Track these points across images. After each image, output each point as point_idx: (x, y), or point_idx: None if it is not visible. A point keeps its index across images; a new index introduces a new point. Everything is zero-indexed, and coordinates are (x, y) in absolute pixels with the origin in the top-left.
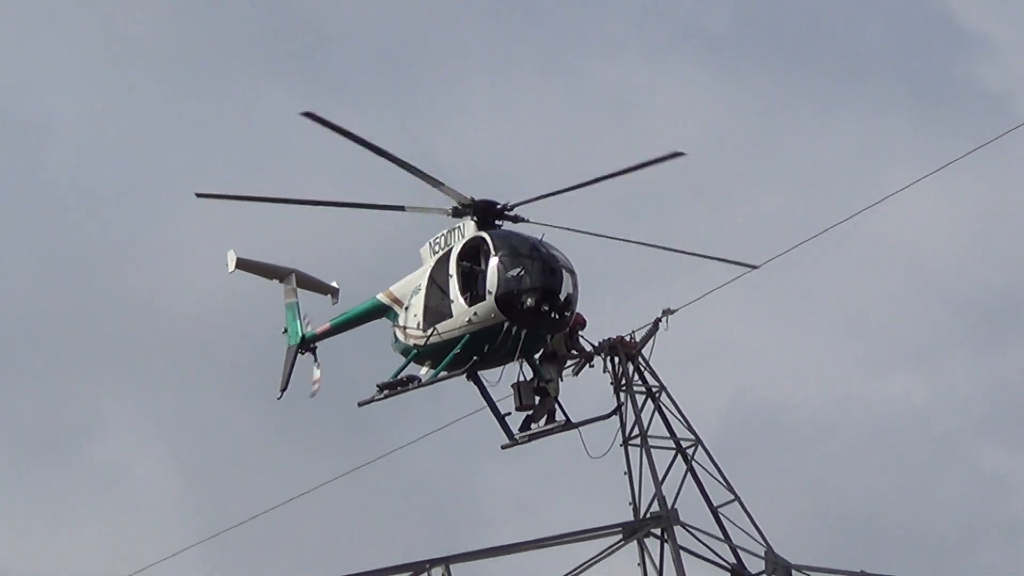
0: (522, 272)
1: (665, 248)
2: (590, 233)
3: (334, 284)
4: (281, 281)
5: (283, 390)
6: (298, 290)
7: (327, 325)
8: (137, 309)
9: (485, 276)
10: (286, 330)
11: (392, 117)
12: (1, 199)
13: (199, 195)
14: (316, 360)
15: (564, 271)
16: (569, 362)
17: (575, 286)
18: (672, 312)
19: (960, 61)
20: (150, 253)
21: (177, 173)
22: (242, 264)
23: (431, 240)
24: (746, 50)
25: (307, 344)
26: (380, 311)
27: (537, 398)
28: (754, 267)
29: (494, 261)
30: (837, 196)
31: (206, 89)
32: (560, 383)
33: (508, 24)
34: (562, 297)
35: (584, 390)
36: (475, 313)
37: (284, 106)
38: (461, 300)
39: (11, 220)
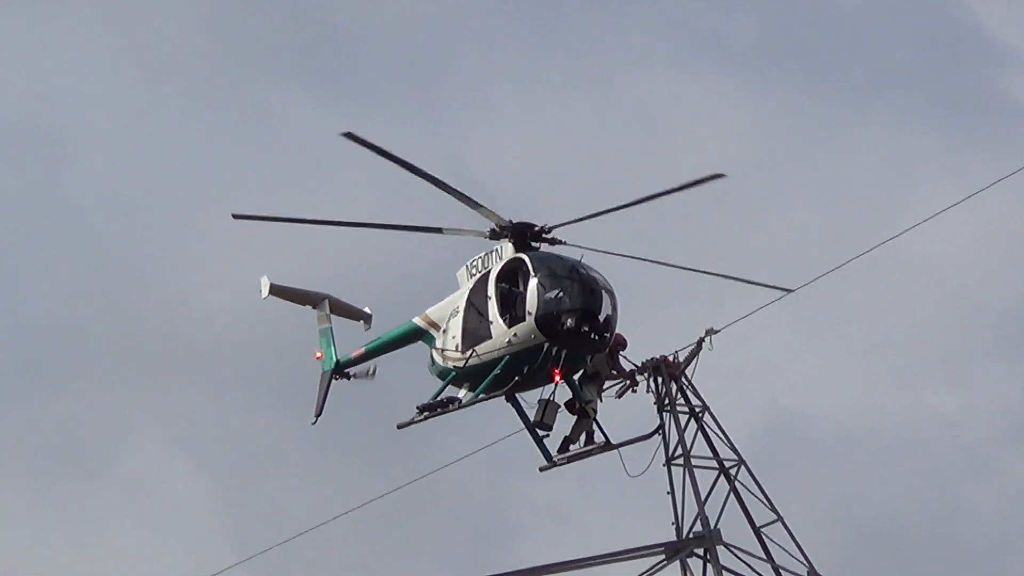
0: (562, 293)
1: (701, 271)
2: (626, 256)
3: (367, 310)
4: (314, 307)
5: (318, 415)
6: (331, 316)
7: (362, 350)
8: (166, 319)
9: (524, 297)
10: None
11: (420, 128)
12: (28, 209)
13: (235, 216)
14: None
15: (603, 292)
16: (609, 383)
17: (614, 307)
18: (715, 332)
19: (990, 75)
20: (178, 263)
21: (204, 183)
22: (275, 290)
23: (468, 263)
24: (774, 63)
25: (341, 369)
26: (416, 335)
27: (573, 418)
28: (789, 291)
29: (534, 282)
30: (869, 214)
31: (232, 99)
32: (599, 403)
33: (536, 35)
34: (602, 318)
35: (622, 410)
36: (515, 334)
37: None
38: (500, 322)
39: (38, 230)
